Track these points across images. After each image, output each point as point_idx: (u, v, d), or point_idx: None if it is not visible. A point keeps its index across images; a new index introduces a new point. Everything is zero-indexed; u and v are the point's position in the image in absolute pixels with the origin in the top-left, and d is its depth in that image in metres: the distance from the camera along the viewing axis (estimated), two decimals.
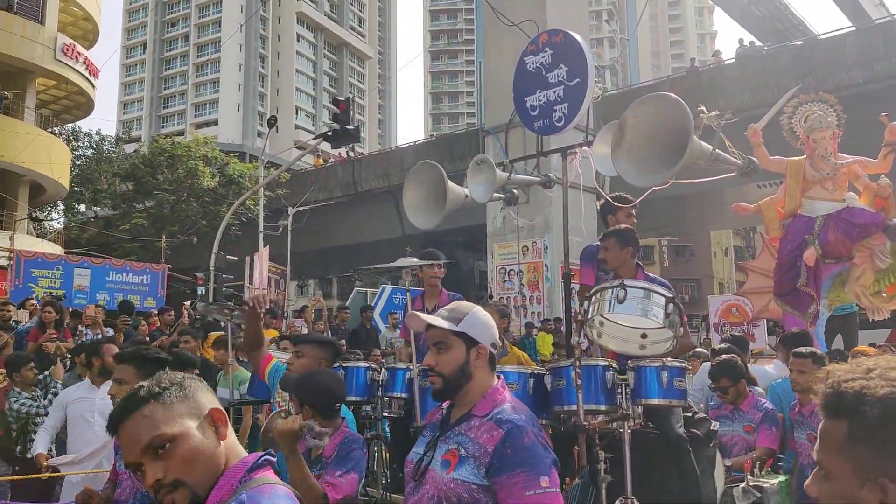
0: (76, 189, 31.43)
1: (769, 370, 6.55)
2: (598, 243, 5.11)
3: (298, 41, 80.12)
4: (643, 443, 3.45)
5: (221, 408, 1.45)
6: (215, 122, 71.85)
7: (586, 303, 3.49)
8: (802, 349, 4.61)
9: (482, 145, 18.26)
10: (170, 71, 79.79)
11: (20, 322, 9.30)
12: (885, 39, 18.06)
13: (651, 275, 4.12)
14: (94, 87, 26.96)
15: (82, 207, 36.39)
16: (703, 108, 4.15)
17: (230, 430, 1.47)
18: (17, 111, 23.75)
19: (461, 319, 2.13)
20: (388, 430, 4.68)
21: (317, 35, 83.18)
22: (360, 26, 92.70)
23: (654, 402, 3.31)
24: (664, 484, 3.57)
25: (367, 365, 4.05)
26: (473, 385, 2.09)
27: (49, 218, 34.50)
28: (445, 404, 2.22)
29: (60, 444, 5.01)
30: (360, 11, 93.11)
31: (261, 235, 20.09)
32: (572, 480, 3.88)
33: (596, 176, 4.76)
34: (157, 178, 29.68)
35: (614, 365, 3.37)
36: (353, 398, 3.87)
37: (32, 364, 5.84)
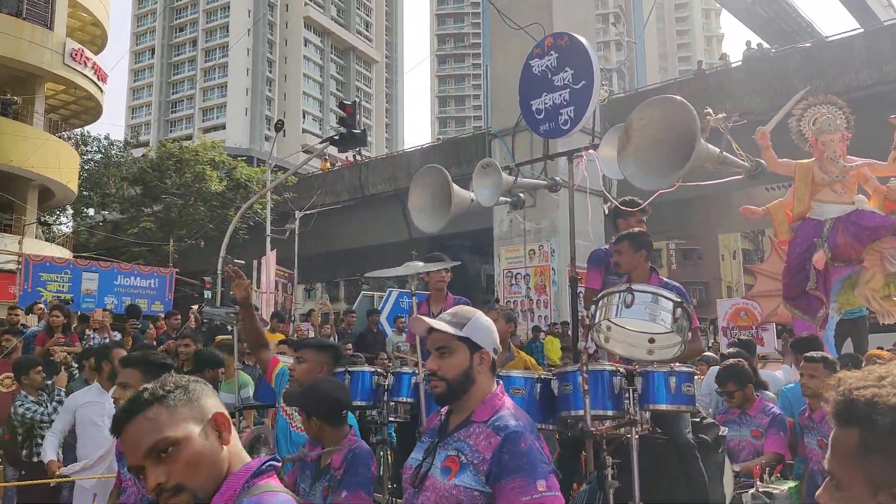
0: (85, 193, 31.60)
1: (778, 375, 6.51)
2: (607, 247, 5.10)
3: (306, 45, 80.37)
4: (651, 448, 3.42)
5: (226, 412, 1.44)
6: (223, 127, 72.10)
7: (593, 307, 3.47)
8: (814, 353, 4.58)
9: (489, 149, 18.26)
10: (178, 76, 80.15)
11: (28, 326, 9.34)
12: (894, 41, 17.96)
13: (665, 279, 4.10)
14: (102, 91, 27.09)
15: (91, 211, 36.57)
16: (710, 111, 4.12)
17: (234, 435, 1.45)
18: (26, 116, 23.88)
19: (465, 324, 2.12)
20: (393, 434, 4.67)
21: (324, 39, 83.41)
22: (367, 30, 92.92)
23: (662, 407, 3.28)
24: (672, 490, 3.54)
25: (373, 369, 4.03)
26: (475, 391, 2.09)
27: (58, 222, 34.67)
28: (444, 410, 2.21)
29: (68, 448, 5.01)
30: (367, 16, 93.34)
31: (268, 239, 20.12)
32: (580, 486, 3.85)
33: (603, 179, 4.74)
34: (165, 183, 29.80)
35: (622, 370, 3.34)
36: (359, 403, 3.86)
37: (40, 367, 5.86)
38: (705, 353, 6.88)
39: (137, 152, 37.61)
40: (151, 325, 10.01)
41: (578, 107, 4.48)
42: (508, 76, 15.06)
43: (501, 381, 2.22)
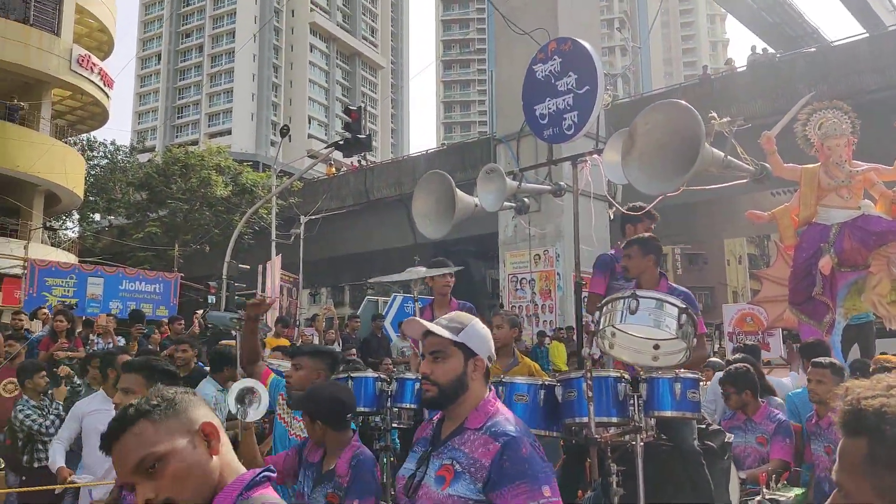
0: (91, 198, 31.69)
1: (786, 382, 6.48)
2: (613, 252, 5.08)
3: (311, 51, 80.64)
4: (656, 455, 3.40)
5: (215, 421, 1.41)
6: (229, 132, 72.35)
7: (598, 313, 3.45)
8: (821, 359, 4.56)
9: (494, 154, 18.28)
10: (184, 81, 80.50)
11: (32, 331, 9.36)
12: None
13: (673, 285, 4.08)
14: (108, 97, 27.21)
15: (97, 217, 36.68)
16: (715, 115, 4.10)
17: (226, 444, 1.43)
18: (32, 121, 23.99)
19: (461, 330, 2.10)
20: (397, 440, 4.64)
21: (329, 45, 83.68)
22: (373, 36, 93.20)
23: (668, 414, 3.25)
24: (677, 497, 3.51)
25: (376, 375, 4.01)
26: (468, 397, 2.07)
27: (64, 227, 34.79)
28: (436, 418, 2.18)
29: (71, 455, 4.99)
30: (373, 21, 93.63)
31: (273, 244, 20.14)
32: (584, 493, 3.83)
33: (608, 184, 4.72)
34: (170, 188, 29.89)
35: (626, 376, 3.32)
36: (362, 409, 3.84)
37: (44, 372, 5.86)
38: (710, 359, 6.85)
39: (143, 157, 37.72)
40: (156, 330, 10.03)
41: (582, 112, 4.45)
42: (513, 81, 15.07)
43: (494, 388, 2.20)
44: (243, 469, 1.44)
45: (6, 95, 23.77)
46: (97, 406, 4.68)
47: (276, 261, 17.50)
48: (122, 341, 8.87)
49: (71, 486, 4.53)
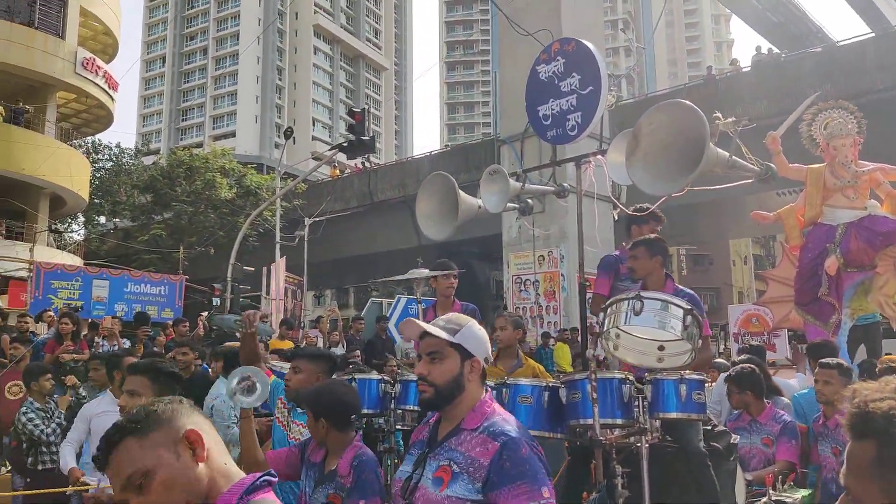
0: (96, 201, 31.79)
1: (793, 383, 6.45)
2: (618, 253, 5.06)
3: (315, 53, 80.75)
4: (661, 457, 3.38)
5: (199, 429, 1.39)
6: (233, 134, 72.48)
7: (602, 315, 3.43)
8: (829, 360, 4.54)
9: (498, 155, 18.26)
10: (188, 84, 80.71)
11: (37, 334, 9.38)
12: None
13: (679, 286, 4.06)
14: (113, 100, 27.27)
15: (102, 219, 36.79)
16: (720, 115, 4.09)
17: (218, 451, 1.42)
18: (37, 124, 24.05)
19: (458, 331, 2.11)
20: (401, 442, 4.63)
21: (333, 47, 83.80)
22: (377, 38, 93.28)
23: (673, 415, 3.23)
24: (683, 499, 3.49)
25: (380, 377, 4.01)
26: (464, 398, 2.07)
27: (69, 230, 34.89)
28: (433, 420, 2.19)
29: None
30: (376, 23, 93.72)
31: (277, 246, 20.18)
32: (589, 495, 3.81)
33: (612, 185, 4.71)
34: (175, 190, 29.95)
35: (631, 378, 3.30)
36: (366, 411, 3.83)
37: (50, 375, 5.87)
38: (716, 360, 6.82)
39: (148, 160, 37.82)
40: (161, 333, 10.04)
41: (586, 112, 4.45)
42: (517, 82, 15.04)
43: (498, 390, 2.20)
44: (242, 473, 1.43)
45: (11, 98, 23.85)
46: (105, 408, 4.69)
47: (280, 263, 17.53)
48: (126, 343, 8.87)
49: (77, 489, 4.53)
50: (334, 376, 3.63)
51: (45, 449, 5.45)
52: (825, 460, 4.37)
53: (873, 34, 22.45)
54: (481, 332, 2.17)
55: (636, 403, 3.24)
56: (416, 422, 4.02)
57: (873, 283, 7.72)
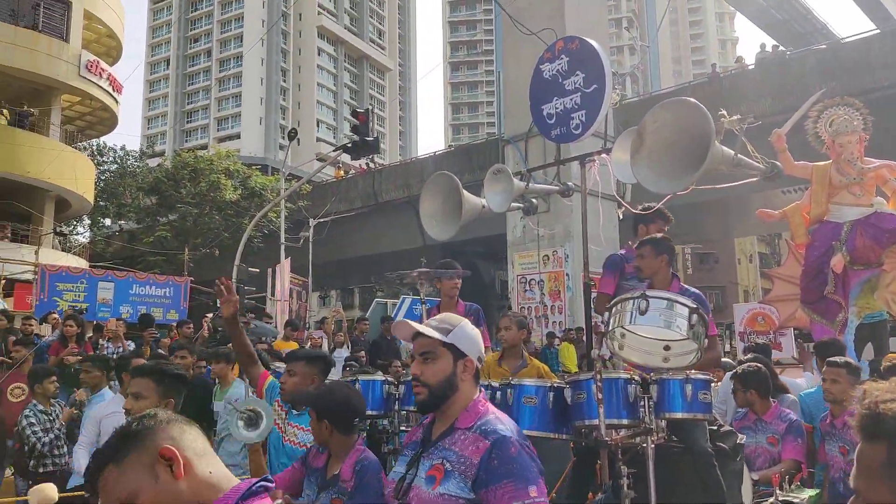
0: (101, 203, 31.86)
1: (800, 382, 6.42)
2: (623, 252, 5.04)
3: (319, 54, 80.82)
4: (667, 457, 3.35)
5: (173, 444, 1.33)
6: (238, 136, 72.60)
7: (607, 314, 3.41)
8: (837, 358, 4.52)
9: (502, 155, 18.23)
10: (193, 86, 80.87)
11: (42, 336, 9.39)
12: None
13: (685, 286, 4.04)
14: (117, 102, 27.33)
15: (107, 221, 36.88)
16: (724, 113, 4.06)
17: (199, 460, 1.35)
18: (42, 127, 24.13)
19: (450, 331, 2.12)
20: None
21: (337, 48, 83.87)
22: (380, 39, 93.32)
23: (679, 415, 3.21)
24: (689, 499, 3.47)
25: (384, 378, 4.00)
26: (458, 398, 2.08)
27: (74, 232, 34.98)
28: (426, 421, 2.19)
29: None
30: (380, 24, 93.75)
31: (282, 247, 20.18)
32: (595, 496, 3.78)
33: (617, 184, 4.69)
34: (180, 192, 30.01)
35: (636, 378, 3.27)
36: (371, 412, 3.82)
37: (55, 377, 5.88)
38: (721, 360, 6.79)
39: (153, 162, 37.91)
40: (167, 335, 10.05)
41: (590, 111, 4.42)
42: (521, 82, 14.97)
43: (484, 389, 2.20)
44: (232, 479, 1.39)
45: (16, 102, 23.94)
46: (114, 409, 4.69)
47: (285, 264, 17.53)
48: (131, 345, 8.88)
49: (72, 494, 4.51)
50: (338, 378, 3.61)
51: (46, 452, 5.46)
52: (833, 459, 4.33)
53: (878, 31, 22.36)
54: (474, 331, 2.18)
55: (642, 404, 3.22)
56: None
57: (880, 281, 7.68)
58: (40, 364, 6.88)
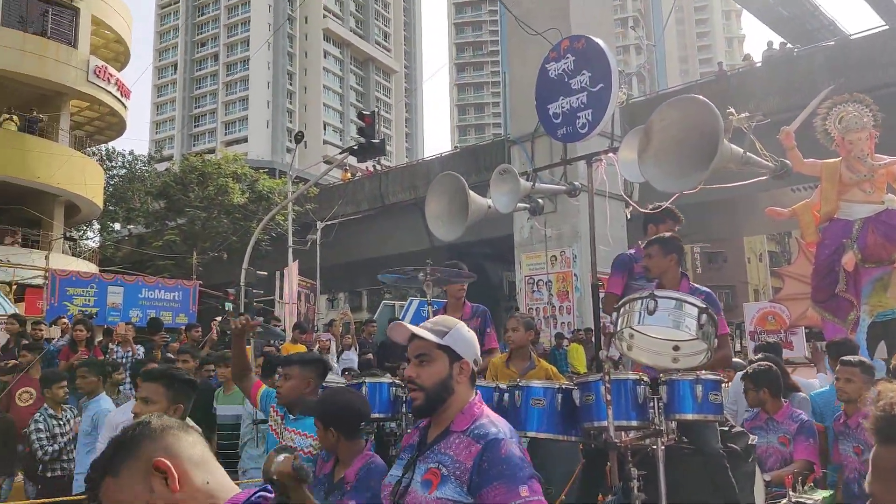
0: (110, 208, 32.04)
1: (814, 383, 6.37)
2: (632, 251, 5.00)
3: (325, 57, 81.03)
4: (678, 459, 3.32)
5: (166, 454, 1.30)
6: (245, 140, 72.87)
7: (615, 314, 3.38)
8: (850, 357, 4.48)
9: (508, 156, 18.20)
10: (200, 90, 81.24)
11: (51, 338, 9.42)
12: None
13: (695, 285, 4.00)
14: (125, 107, 27.46)
15: (116, 226, 37.07)
16: (733, 111, 4.03)
17: (196, 470, 1.32)
18: (51, 133, 24.26)
19: (446, 333, 2.11)
20: None
21: (343, 51, 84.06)
22: (386, 41, 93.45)
23: (689, 417, 3.17)
24: (700, 501, 3.43)
25: (391, 381, 3.97)
26: (454, 401, 2.07)
27: (84, 237, 35.17)
28: (423, 424, 2.18)
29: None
30: (386, 26, 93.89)
31: (290, 250, 20.21)
32: (605, 498, 3.75)
33: (624, 183, 4.66)
34: (188, 196, 30.11)
35: (645, 379, 3.24)
36: (378, 415, 3.79)
37: (65, 382, 5.88)
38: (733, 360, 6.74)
39: (161, 166, 38.08)
40: (176, 338, 10.07)
41: (596, 110, 4.40)
42: (526, 82, 14.98)
43: (479, 391, 2.19)
44: (233, 488, 1.35)
45: (25, 107, 24.07)
46: (130, 415, 4.69)
47: (293, 267, 17.56)
48: (140, 350, 8.89)
49: (74, 498, 4.52)
50: (341, 381, 3.60)
51: (46, 461, 5.46)
52: (847, 460, 4.28)
53: (887, 27, 22.18)
54: (469, 334, 2.17)
55: (651, 405, 3.18)
56: None
57: (892, 278, 7.60)
58: (51, 369, 6.89)
